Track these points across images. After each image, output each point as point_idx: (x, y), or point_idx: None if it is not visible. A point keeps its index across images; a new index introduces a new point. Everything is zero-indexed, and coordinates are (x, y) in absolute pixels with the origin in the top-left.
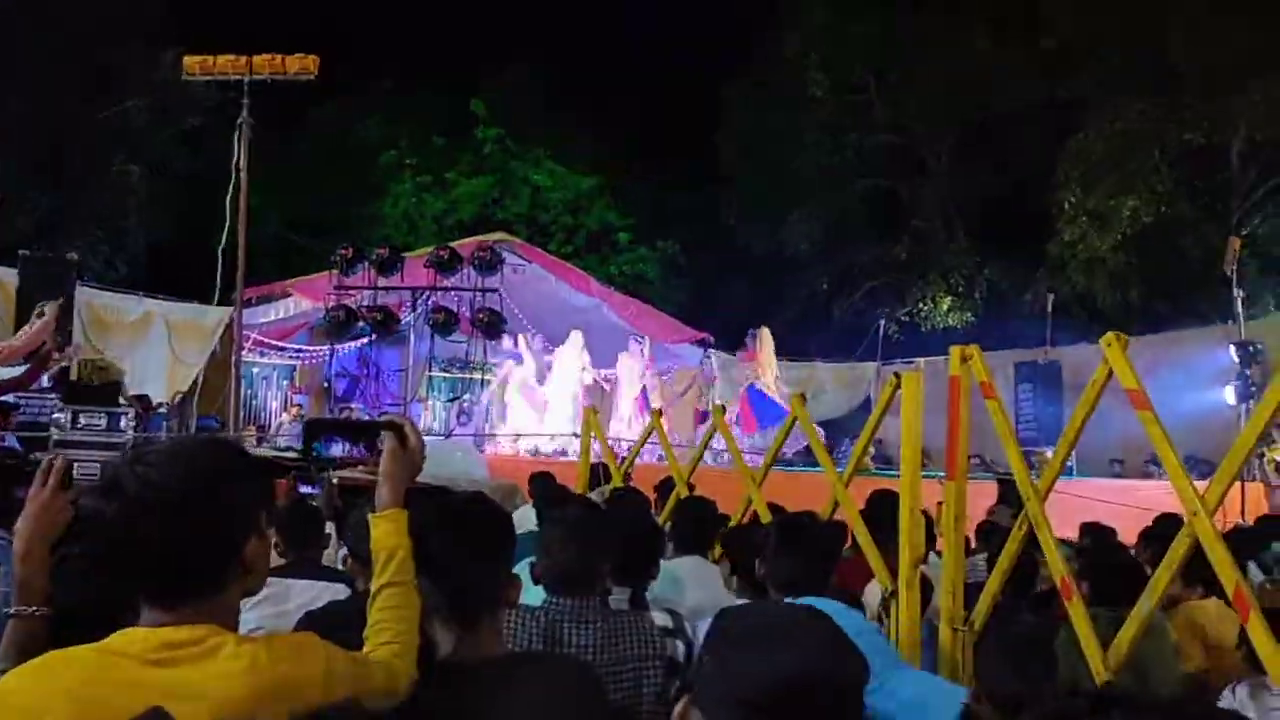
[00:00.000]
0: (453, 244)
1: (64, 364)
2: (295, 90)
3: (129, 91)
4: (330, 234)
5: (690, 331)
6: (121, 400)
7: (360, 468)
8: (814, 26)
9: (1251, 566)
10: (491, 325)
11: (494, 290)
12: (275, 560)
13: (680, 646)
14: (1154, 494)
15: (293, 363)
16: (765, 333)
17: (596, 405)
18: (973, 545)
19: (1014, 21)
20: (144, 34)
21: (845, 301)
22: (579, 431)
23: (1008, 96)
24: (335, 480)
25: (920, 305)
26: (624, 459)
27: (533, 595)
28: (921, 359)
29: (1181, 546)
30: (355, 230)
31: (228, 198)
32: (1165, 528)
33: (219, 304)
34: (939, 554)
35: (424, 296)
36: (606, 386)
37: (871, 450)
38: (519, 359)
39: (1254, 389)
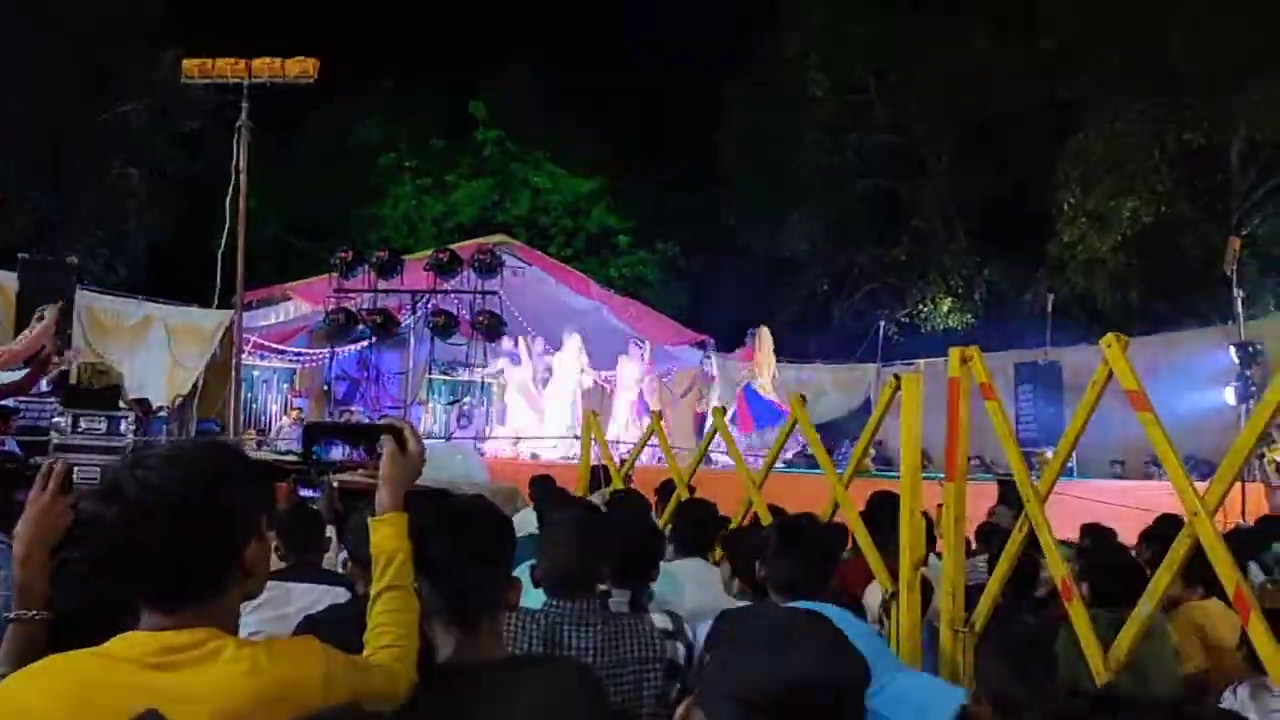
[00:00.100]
0: (452, 246)
1: (63, 368)
2: (294, 92)
3: (128, 94)
4: (330, 237)
5: (690, 333)
6: (121, 404)
7: (360, 471)
8: (814, 26)
9: (1252, 567)
10: (491, 328)
11: (494, 293)
12: (275, 563)
13: (681, 649)
14: (1155, 495)
15: (293, 366)
16: (764, 332)
17: (596, 408)
18: (973, 546)
19: (1014, 22)
20: (143, 36)
21: (845, 302)
22: (579, 434)
23: (1008, 97)
24: (336, 484)
25: (920, 306)
26: (624, 461)
27: (533, 598)
28: (921, 360)
29: (1182, 547)
30: (355, 233)
31: (227, 200)
32: (1166, 528)
33: (219, 307)
34: (939, 555)
35: (424, 299)
36: (607, 386)
37: (872, 452)
38: (516, 359)
39: (1254, 389)
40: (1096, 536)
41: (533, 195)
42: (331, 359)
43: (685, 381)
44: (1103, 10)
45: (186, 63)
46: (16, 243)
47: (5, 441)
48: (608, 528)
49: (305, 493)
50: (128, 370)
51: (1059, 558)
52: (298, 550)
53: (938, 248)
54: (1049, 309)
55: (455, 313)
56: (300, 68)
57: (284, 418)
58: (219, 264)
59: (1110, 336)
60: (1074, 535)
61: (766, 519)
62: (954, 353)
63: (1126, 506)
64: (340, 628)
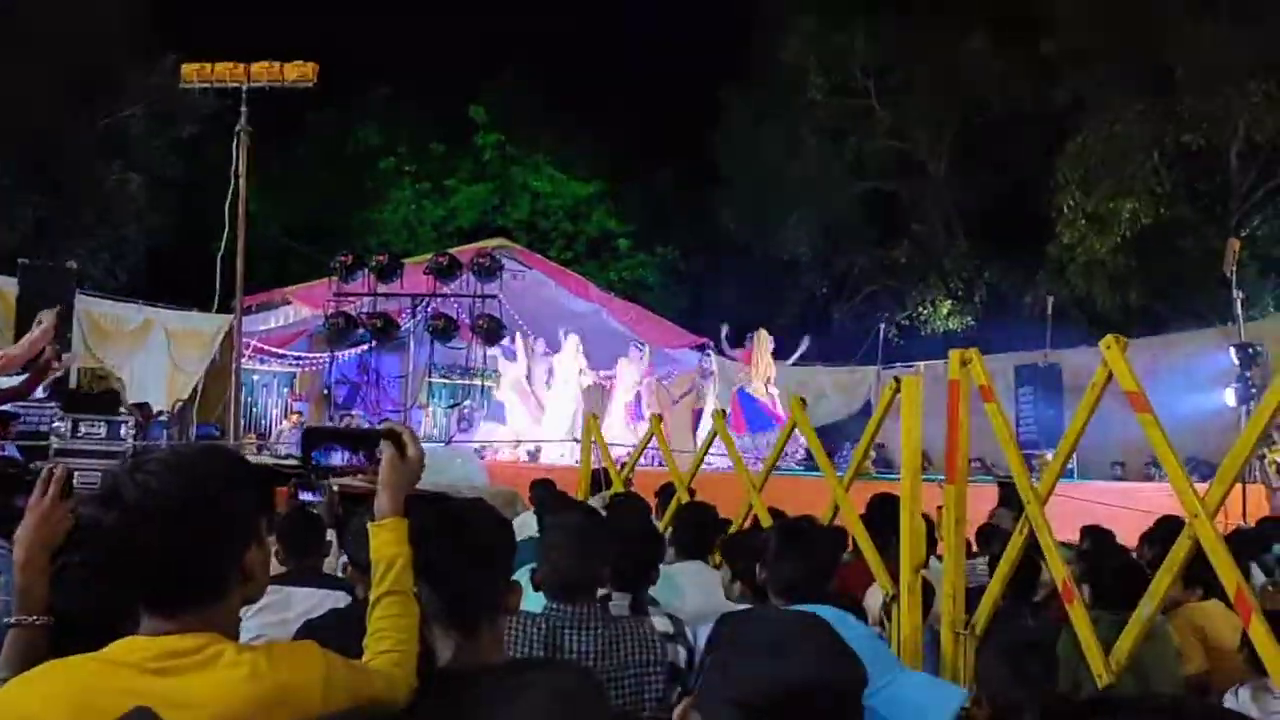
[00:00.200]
0: (452, 250)
1: (58, 372)
2: (293, 97)
3: (128, 99)
4: (329, 241)
5: (690, 336)
6: (121, 409)
7: (360, 476)
8: (812, 30)
9: (1253, 568)
10: (491, 331)
11: (493, 296)
12: (276, 568)
13: (682, 652)
14: (1155, 496)
15: (293, 370)
16: (762, 335)
17: (597, 408)
18: (974, 549)
19: (1012, 24)
20: (142, 42)
21: (845, 305)
22: (578, 437)
23: (1006, 99)
24: (336, 488)
25: (920, 309)
26: (624, 464)
27: (533, 601)
28: (921, 363)
29: (1182, 549)
30: (354, 237)
31: (226, 205)
32: (1167, 530)
33: (218, 311)
34: (940, 558)
35: (424, 303)
36: (607, 384)
37: (872, 454)
38: (511, 354)
39: (1254, 391)
40: (1096, 538)
41: (532, 199)
42: (331, 363)
43: (685, 384)
44: (1099, 13)
45: (185, 67)
46: (17, 248)
47: (5, 446)
48: (608, 531)
49: (305, 496)
50: (128, 375)
51: (1059, 560)
52: (298, 554)
53: (937, 250)
54: (1048, 311)
55: (455, 316)
56: (299, 72)
57: (284, 422)
58: (219, 268)
59: (1109, 338)
60: (1074, 537)
61: (767, 521)
62: (953, 355)
63: (1127, 508)
64: (340, 632)
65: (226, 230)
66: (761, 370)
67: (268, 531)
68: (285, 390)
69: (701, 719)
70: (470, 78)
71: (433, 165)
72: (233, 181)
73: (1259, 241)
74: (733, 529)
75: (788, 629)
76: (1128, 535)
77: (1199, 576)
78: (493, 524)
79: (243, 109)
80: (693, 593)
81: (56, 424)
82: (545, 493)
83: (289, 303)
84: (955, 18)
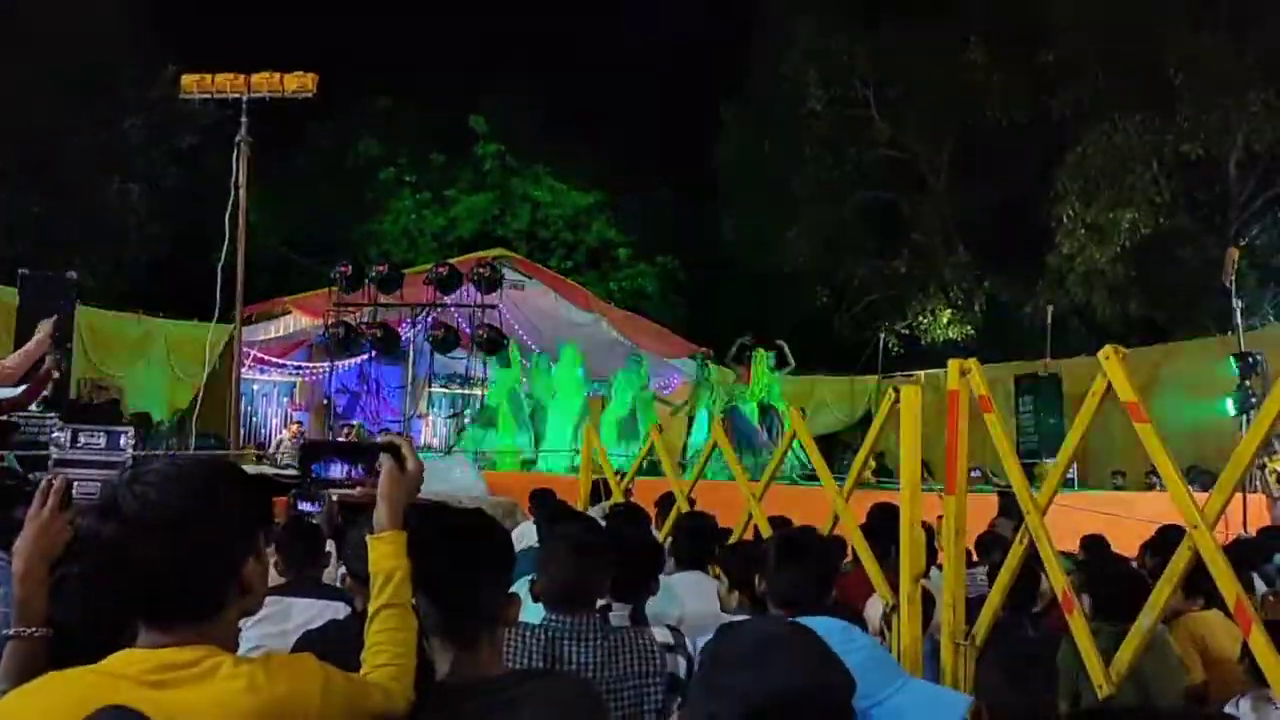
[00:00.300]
0: (452, 260)
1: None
2: (294, 107)
3: (128, 109)
4: (329, 251)
5: (690, 346)
6: (121, 419)
7: (359, 489)
8: (811, 42)
9: (1255, 578)
10: (491, 342)
11: (493, 307)
12: (275, 578)
13: (681, 662)
14: (1156, 506)
15: (293, 379)
16: (760, 355)
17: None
18: (974, 558)
19: (1010, 35)
20: (142, 53)
21: (845, 315)
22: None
23: (1005, 110)
24: (335, 498)
25: (920, 319)
26: (623, 475)
27: (532, 613)
28: (921, 372)
29: (1182, 559)
30: (355, 247)
31: (227, 215)
32: (1168, 539)
33: (219, 322)
34: (940, 568)
35: (424, 313)
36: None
37: (873, 464)
38: (504, 360)
39: (1254, 400)
40: (1094, 548)
41: (532, 209)
42: (331, 373)
43: (685, 394)
44: (1098, 23)
45: (186, 78)
46: (17, 258)
47: (4, 457)
48: (607, 542)
49: (304, 507)
50: (128, 385)
51: (1059, 570)
52: (297, 565)
53: (937, 260)
54: (1048, 321)
55: (455, 326)
56: (299, 83)
57: (284, 431)
58: (219, 278)
59: (1108, 349)
60: (1075, 547)
61: (767, 531)
62: (953, 365)
63: (1128, 518)
64: (339, 645)
65: (227, 240)
66: (758, 390)
67: (266, 543)
68: (285, 400)
69: None
70: (470, 88)
71: (433, 175)
72: (233, 192)
73: (1258, 251)
74: (733, 539)
75: (770, 639)
76: (1129, 545)
77: (1200, 586)
78: (492, 536)
79: (243, 119)
80: (692, 602)
81: (56, 434)
82: (545, 502)
83: (289, 313)
84: (954, 29)
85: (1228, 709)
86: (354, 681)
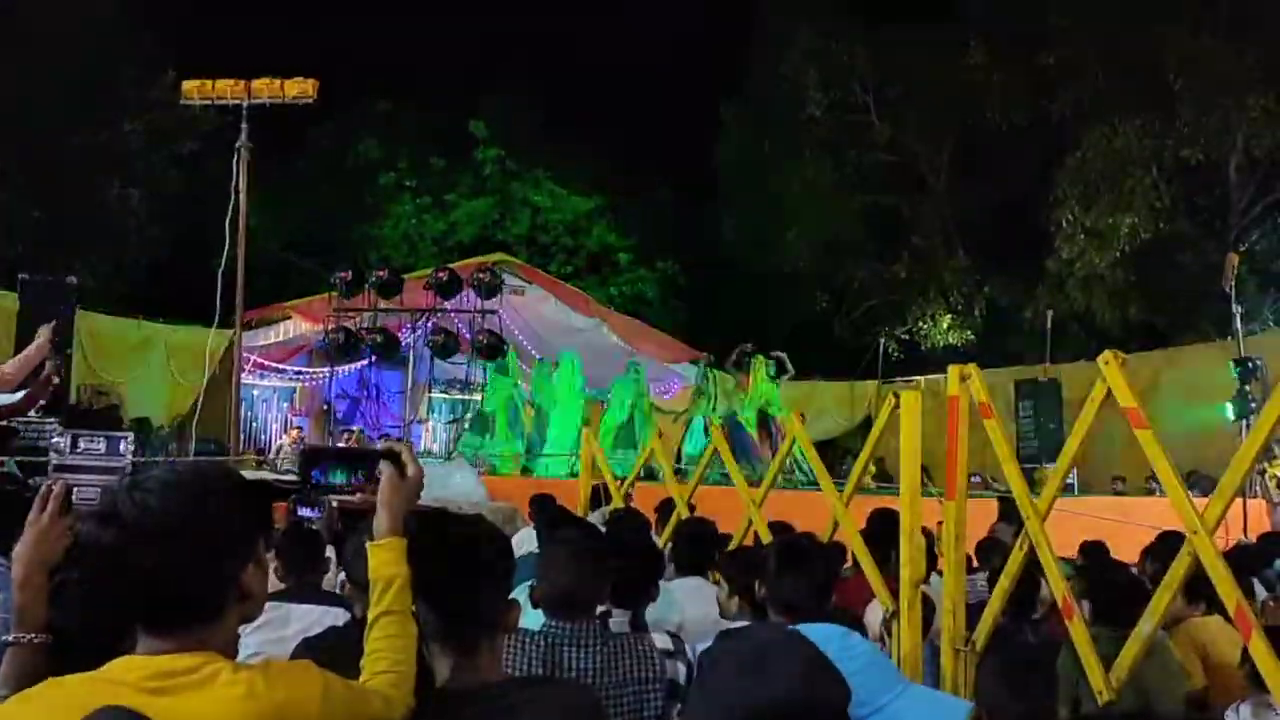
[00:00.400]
0: (452, 265)
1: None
2: (294, 112)
3: (128, 114)
4: (330, 256)
5: (690, 351)
6: (122, 424)
7: (359, 495)
8: (810, 45)
9: (1255, 584)
10: (491, 347)
11: (494, 312)
12: (275, 584)
13: (681, 668)
14: (1156, 511)
15: (293, 385)
16: (758, 360)
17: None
18: (974, 563)
19: (1010, 38)
20: (142, 56)
21: (845, 320)
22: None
23: (1005, 113)
24: (335, 504)
25: (920, 323)
26: (623, 480)
27: (532, 619)
28: (922, 378)
29: (1182, 565)
30: (355, 252)
31: (227, 220)
32: (1169, 545)
33: (219, 327)
34: (940, 573)
35: (424, 318)
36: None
37: (872, 469)
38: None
39: (1254, 405)
40: (1093, 554)
41: (532, 214)
42: (331, 378)
43: (685, 400)
44: (1097, 27)
45: (186, 84)
46: (17, 263)
47: (4, 463)
48: (607, 548)
49: (304, 513)
50: (128, 390)
51: (1059, 576)
52: (297, 571)
53: (937, 264)
54: (1048, 326)
55: (455, 332)
56: (299, 88)
57: (284, 437)
58: (219, 283)
59: (1108, 354)
60: (1075, 553)
61: (767, 537)
62: (952, 371)
63: (1129, 523)
64: (338, 651)
65: (227, 245)
66: (757, 398)
67: (266, 549)
68: (285, 405)
69: None
70: (470, 93)
71: (433, 180)
72: (233, 196)
73: (1258, 256)
74: (733, 544)
75: (767, 647)
76: (1130, 550)
77: (1201, 592)
78: (492, 542)
79: (243, 124)
80: (692, 608)
81: (55, 439)
82: (545, 507)
83: (289, 318)
84: (954, 31)
85: (1228, 715)
86: (353, 688)
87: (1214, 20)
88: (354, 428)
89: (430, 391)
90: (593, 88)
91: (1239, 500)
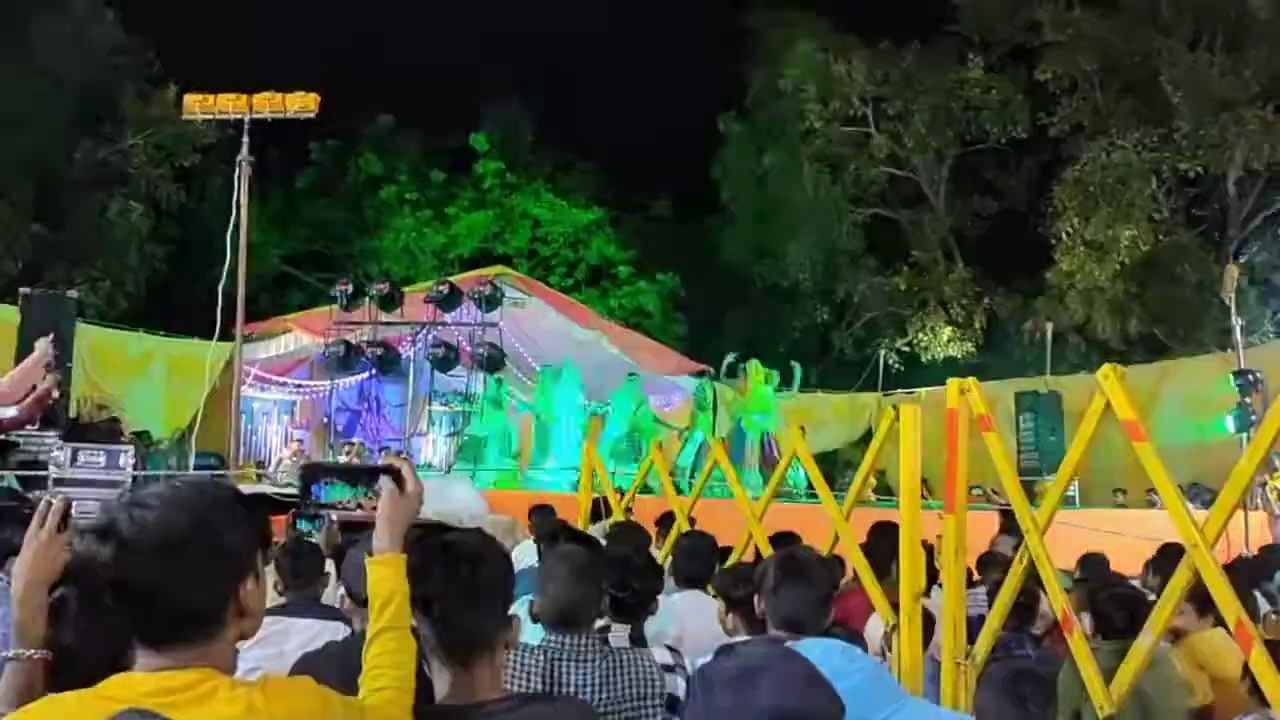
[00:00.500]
0: (452, 278)
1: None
2: (295, 126)
3: (130, 129)
4: (330, 269)
5: (690, 364)
6: (121, 437)
7: (358, 509)
8: (810, 59)
9: (1258, 597)
10: (492, 360)
11: (494, 325)
12: (274, 599)
13: (680, 683)
14: (1158, 524)
15: (293, 398)
16: (754, 365)
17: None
18: (975, 577)
19: (1009, 52)
20: (144, 72)
21: (845, 333)
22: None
23: (1004, 127)
24: (335, 517)
25: (920, 336)
26: (624, 493)
27: (531, 633)
28: (922, 390)
29: (1181, 578)
30: (355, 265)
31: (228, 234)
32: (1170, 556)
33: (219, 340)
34: (941, 587)
35: (424, 331)
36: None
37: (873, 481)
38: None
39: (1254, 417)
40: (1092, 566)
41: (533, 226)
42: (332, 391)
43: (685, 413)
44: (1095, 42)
45: (188, 98)
46: (19, 277)
47: (4, 477)
48: (605, 562)
49: (304, 527)
50: (128, 403)
51: (1059, 589)
52: (297, 585)
53: (937, 277)
54: (1048, 338)
55: (456, 345)
56: (300, 103)
57: (284, 450)
58: (219, 297)
59: (1107, 368)
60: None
61: (767, 551)
62: (952, 384)
63: (1130, 536)
64: (337, 667)
65: (228, 259)
66: (758, 403)
67: (264, 563)
68: (285, 418)
69: None
70: (470, 106)
71: (433, 193)
72: (234, 210)
73: (1258, 267)
74: (733, 558)
75: (759, 662)
76: (1131, 563)
77: (1211, 605)
78: (492, 558)
79: (244, 139)
80: (691, 622)
81: (55, 453)
82: (545, 520)
83: (290, 331)
84: (952, 46)
85: None
86: (352, 705)
87: (1211, 34)
88: (354, 440)
89: (430, 404)
90: (593, 101)
91: (1240, 513)
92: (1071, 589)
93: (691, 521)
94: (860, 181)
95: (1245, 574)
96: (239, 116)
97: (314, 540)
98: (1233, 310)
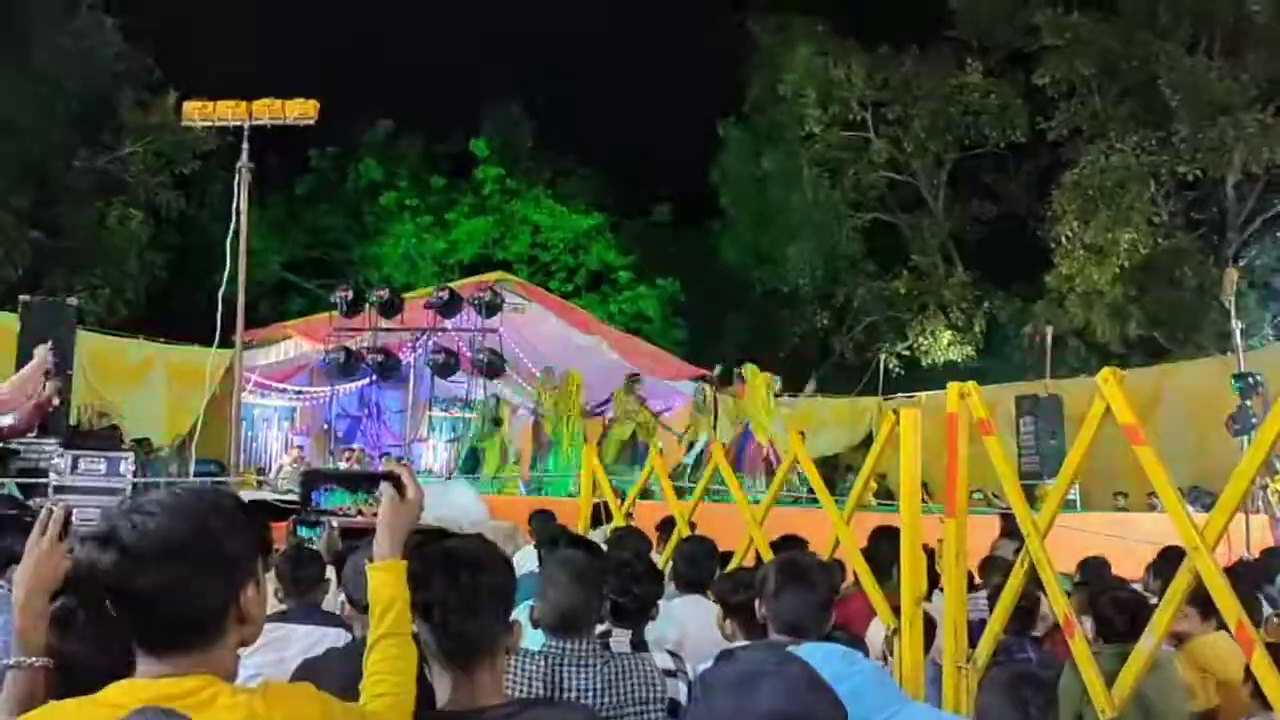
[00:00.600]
0: (452, 284)
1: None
2: (295, 133)
3: (129, 136)
4: (330, 275)
5: (690, 368)
6: (122, 445)
7: (359, 516)
8: (809, 64)
9: (1261, 600)
10: (492, 366)
11: (494, 331)
12: (275, 605)
13: (682, 687)
14: (1159, 526)
15: (293, 404)
16: (751, 370)
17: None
18: (976, 581)
19: (1007, 56)
20: (144, 80)
21: (845, 337)
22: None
23: (1003, 131)
24: (335, 523)
25: (920, 340)
26: (624, 498)
27: (532, 639)
28: (923, 394)
29: (1182, 581)
30: (355, 271)
31: (228, 240)
32: (1172, 559)
33: (219, 347)
34: (942, 591)
35: (424, 338)
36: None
37: (874, 485)
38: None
39: (1254, 420)
40: (1092, 570)
41: (533, 232)
42: (332, 397)
43: (686, 418)
44: (1094, 45)
45: (188, 105)
46: (18, 285)
47: (4, 484)
48: (606, 566)
49: (304, 533)
50: (128, 410)
51: (1060, 593)
52: (298, 592)
53: (937, 281)
54: (1048, 341)
55: (456, 351)
56: (300, 109)
57: (284, 456)
58: (219, 304)
59: (1106, 372)
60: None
61: (768, 555)
62: (952, 388)
63: (1131, 539)
64: (338, 673)
65: (227, 265)
66: (758, 407)
67: (265, 570)
68: (286, 425)
69: None
70: (470, 112)
71: (433, 199)
72: (234, 217)
73: (1257, 270)
74: (734, 562)
75: (758, 666)
76: (1132, 566)
77: (1213, 609)
78: (493, 563)
79: (244, 146)
80: (692, 627)
81: (55, 460)
82: (545, 525)
83: (290, 337)
84: (950, 51)
85: None
86: (353, 711)
87: (1210, 38)
88: (354, 447)
89: (431, 410)
90: (592, 106)
91: (1241, 516)
92: (1069, 592)
93: (692, 526)
94: (859, 186)
95: (1247, 577)
96: (238, 123)
97: (315, 547)
98: (1232, 313)
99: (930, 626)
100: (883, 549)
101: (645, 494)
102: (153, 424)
